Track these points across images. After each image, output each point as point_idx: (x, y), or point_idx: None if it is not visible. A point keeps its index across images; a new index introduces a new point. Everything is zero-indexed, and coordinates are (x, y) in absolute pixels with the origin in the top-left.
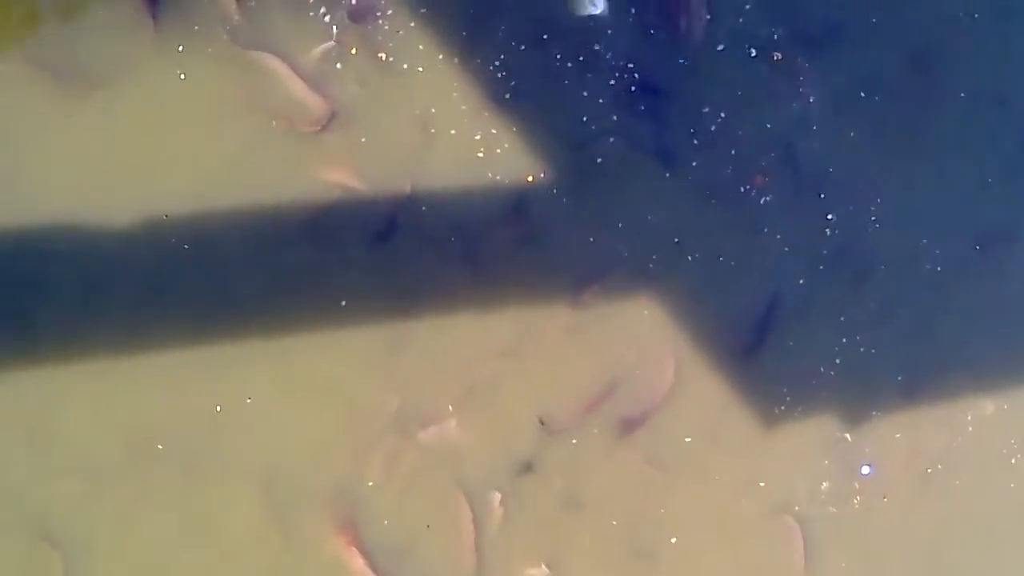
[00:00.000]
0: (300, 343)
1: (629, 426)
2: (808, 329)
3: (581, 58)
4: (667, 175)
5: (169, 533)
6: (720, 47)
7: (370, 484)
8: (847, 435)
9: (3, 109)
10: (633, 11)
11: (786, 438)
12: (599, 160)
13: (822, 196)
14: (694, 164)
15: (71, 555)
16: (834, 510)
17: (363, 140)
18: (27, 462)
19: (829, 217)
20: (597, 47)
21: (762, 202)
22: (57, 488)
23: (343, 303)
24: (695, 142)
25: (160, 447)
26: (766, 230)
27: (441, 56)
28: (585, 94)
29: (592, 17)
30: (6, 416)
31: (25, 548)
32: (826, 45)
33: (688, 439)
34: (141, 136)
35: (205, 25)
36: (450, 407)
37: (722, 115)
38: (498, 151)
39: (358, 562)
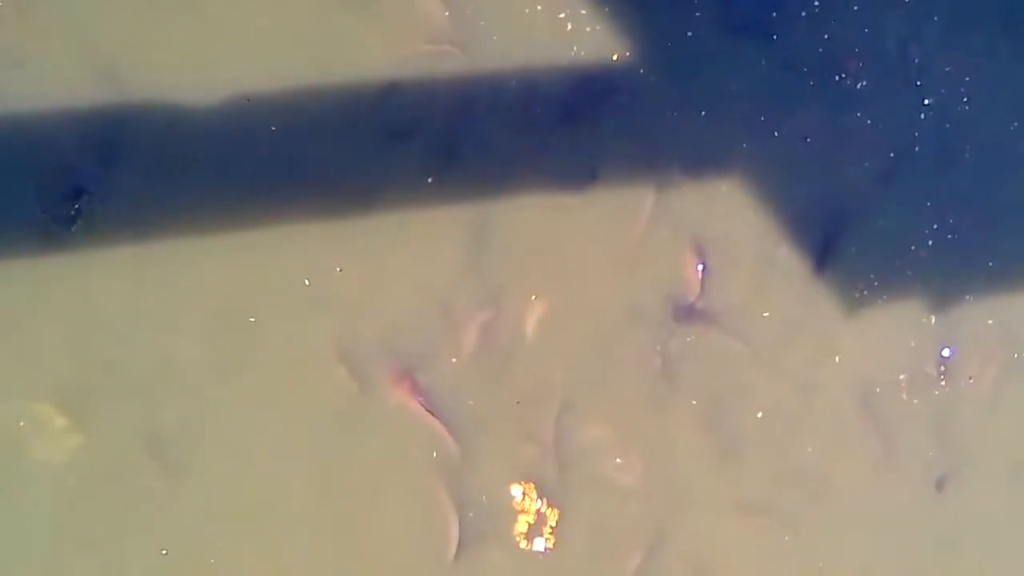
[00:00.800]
0: (388, 219)
1: (714, 309)
2: (897, 212)
3: None
4: (758, 57)
5: (255, 393)
6: None
7: (454, 361)
8: (933, 318)
9: None
10: None
11: (870, 317)
12: (689, 34)
13: (918, 84)
14: (785, 45)
15: (165, 411)
16: (916, 398)
17: (447, 14)
18: (121, 329)
19: (926, 102)
20: None
21: (858, 87)
22: (154, 354)
23: (428, 179)
24: (786, 23)
25: (252, 320)
26: (859, 114)
27: None
28: None
29: None
30: (100, 289)
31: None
32: None
33: (766, 314)
34: (225, 14)
35: None
36: (534, 296)
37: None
38: (587, 29)
39: (426, 416)
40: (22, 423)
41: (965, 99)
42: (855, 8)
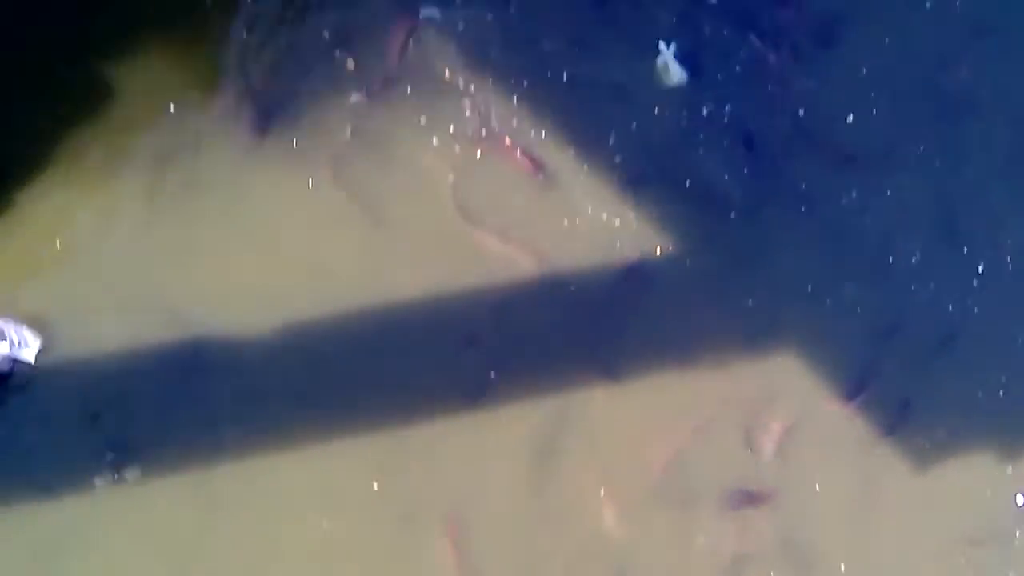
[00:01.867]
0: (447, 425)
1: (784, 482)
2: (963, 372)
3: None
4: (801, 233)
5: None
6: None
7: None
8: (1009, 468)
9: (142, 228)
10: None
11: (943, 471)
12: (732, 215)
13: (965, 250)
14: (828, 220)
15: None
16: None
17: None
18: (194, 548)
19: (979, 270)
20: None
21: (913, 261)
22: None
23: (491, 374)
24: (827, 200)
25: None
26: (913, 287)
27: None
28: (701, 152)
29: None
30: (169, 515)
31: None
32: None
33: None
34: (273, 244)
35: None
36: (603, 489)
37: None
38: (633, 225)
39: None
40: None
41: (1008, 256)
42: (888, 193)
